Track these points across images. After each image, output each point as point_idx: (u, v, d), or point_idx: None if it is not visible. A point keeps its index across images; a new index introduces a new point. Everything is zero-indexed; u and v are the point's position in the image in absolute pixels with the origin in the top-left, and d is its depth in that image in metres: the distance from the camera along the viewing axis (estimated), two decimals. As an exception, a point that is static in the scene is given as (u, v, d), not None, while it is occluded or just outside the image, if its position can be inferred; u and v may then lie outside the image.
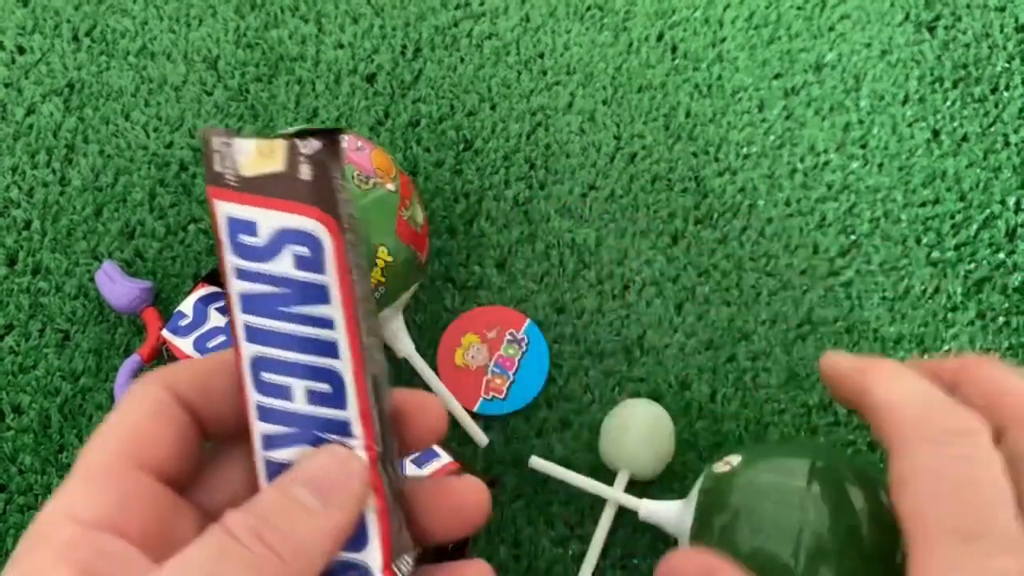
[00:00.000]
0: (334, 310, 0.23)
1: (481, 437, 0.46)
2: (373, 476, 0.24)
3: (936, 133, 0.52)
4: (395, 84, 0.53)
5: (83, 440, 0.46)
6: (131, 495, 0.22)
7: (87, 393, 0.47)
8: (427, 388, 0.47)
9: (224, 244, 0.23)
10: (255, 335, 0.23)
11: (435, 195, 0.51)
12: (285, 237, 0.23)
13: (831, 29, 0.54)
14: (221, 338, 0.44)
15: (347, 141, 0.43)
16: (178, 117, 0.52)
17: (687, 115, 0.52)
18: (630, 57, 0.53)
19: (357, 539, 0.24)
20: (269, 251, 0.23)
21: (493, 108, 0.52)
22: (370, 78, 0.53)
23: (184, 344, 0.44)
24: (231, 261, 0.23)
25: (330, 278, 0.23)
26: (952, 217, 0.50)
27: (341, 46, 0.54)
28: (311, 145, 0.23)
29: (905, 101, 0.52)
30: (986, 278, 0.49)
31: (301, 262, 0.23)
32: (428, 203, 0.51)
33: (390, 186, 0.43)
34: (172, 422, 0.24)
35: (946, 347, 0.48)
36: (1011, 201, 0.50)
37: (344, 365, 0.24)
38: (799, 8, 0.54)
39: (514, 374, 0.47)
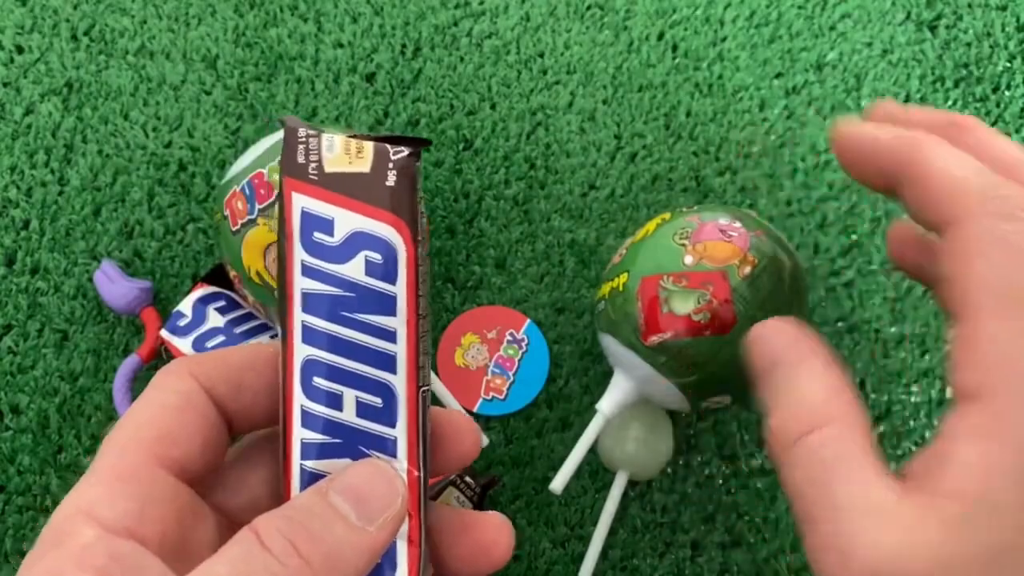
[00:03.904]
0: (399, 323, 0.22)
1: (481, 437, 0.46)
2: (412, 501, 0.22)
3: (937, 132, 0.51)
4: (394, 83, 0.53)
5: (82, 440, 0.46)
6: (153, 498, 0.21)
7: (86, 393, 0.47)
8: (427, 388, 0.47)
9: (294, 238, 0.22)
10: (312, 337, 0.22)
11: (435, 195, 0.51)
12: (361, 240, 0.22)
13: (832, 28, 0.54)
14: (220, 338, 0.44)
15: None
16: (177, 116, 0.52)
17: (688, 114, 0.52)
18: (630, 56, 0.53)
19: (383, 567, 0.22)
20: (342, 252, 0.22)
21: (493, 107, 0.52)
22: (369, 77, 0.53)
23: (183, 344, 0.44)
24: (299, 256, 0.22)
25: (399, 289, 0.22)
26: (953, 217, 0.50)
27: (340, 45, 0.54)
28: (401, 152, 0.22)
29: (906, 100, 0.52)
30: (988, 278, 0.49)
31: (373, 268, 0.22)
32: (428, 203, 0.51)
33: (390, 186, 0.42)
34: (199, 416, 0.22)
35: (948, 348, 0.48)
36: (1013, 201, 0.50)
37: (399, 381, 0.22)
38: (800, 7, 0.54)
39: (514, 374, 0.47)
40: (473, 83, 0.53)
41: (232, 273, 0.43)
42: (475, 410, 0.47)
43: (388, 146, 0.22)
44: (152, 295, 0.48)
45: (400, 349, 0.22)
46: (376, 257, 0.22)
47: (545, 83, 0.53)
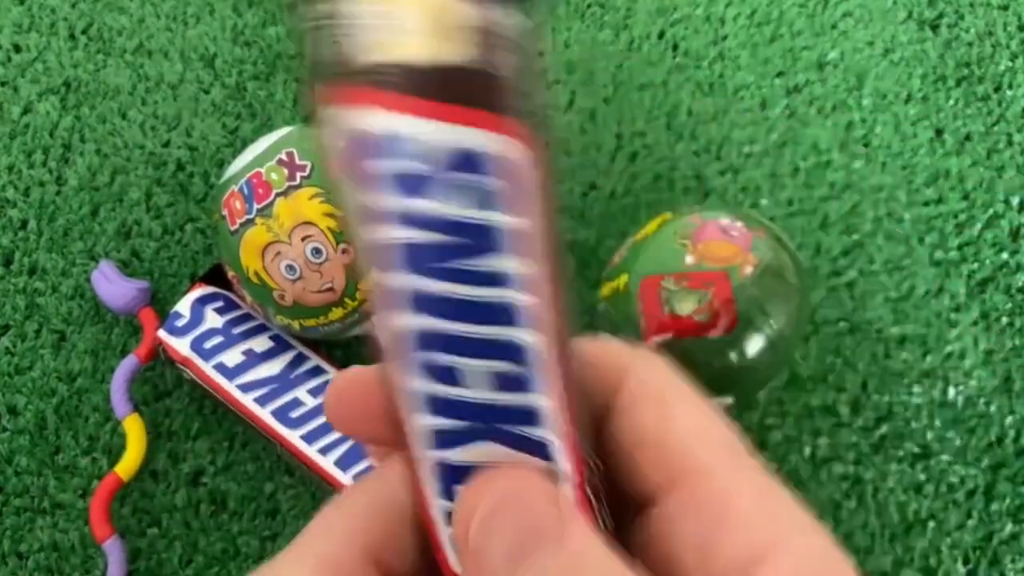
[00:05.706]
0: (529, 265, 0.15)
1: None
2: (589, 519, 0.17)
3: (939, 132, 0.51)
4: (394, 82, 0.53)
5: (80, 442, 0.46)
6: None
7: (83, 394, 0.47)
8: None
9: (349, 177, 0.15)
10: (400, 302, 0.15)
11: (434, 194, 0.51)
12: (462, 162, 0.14)
13: (833, 27, 0.53)
14: (218, 339, 0.44)
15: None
16: (175, 116, 0.52)
17: (689, 114, 0.52)
18: (631, 55, 0.53)
19: None
20: (434, 185, 0.14)
21: (493, 107, 0.52)
22: (369, 76, 0.53)
23: (181, 345, 0.44)
24: (364, 199, 0.15)
25: (522, 221, 0.15)
26: (955, 217, 0.50)
27: (340, 44, 0.53)
28: (513, 18, 0.14)
29: (908, 100, 0.52)
30: (990, 278, 0.49)
31: (486, 199, 0.15)
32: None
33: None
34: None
35: (949, 348, 0.48)
36: (1015, 201, 0.50)
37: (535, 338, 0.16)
38: (801, 6, 0.54)
39: (514, 375, 0.47)
40: (473, 82, 0.53)
41: (230, 273, 0.43)
42: (475, 411, 0.46)
43: (487, 13, 0.14)
44: (150, 295, 0.48)
45: (536, 301, 0.15)
46: (496, 184, 0.15)
47: (545, 82, 0.53)
